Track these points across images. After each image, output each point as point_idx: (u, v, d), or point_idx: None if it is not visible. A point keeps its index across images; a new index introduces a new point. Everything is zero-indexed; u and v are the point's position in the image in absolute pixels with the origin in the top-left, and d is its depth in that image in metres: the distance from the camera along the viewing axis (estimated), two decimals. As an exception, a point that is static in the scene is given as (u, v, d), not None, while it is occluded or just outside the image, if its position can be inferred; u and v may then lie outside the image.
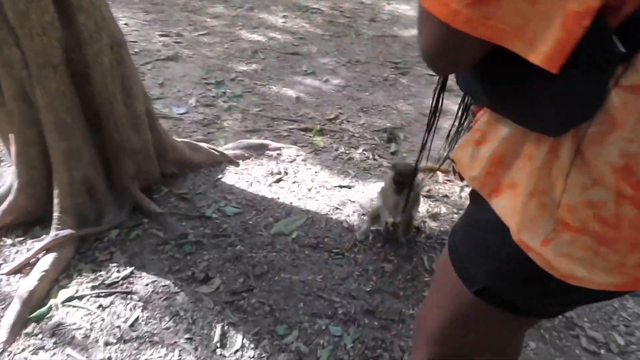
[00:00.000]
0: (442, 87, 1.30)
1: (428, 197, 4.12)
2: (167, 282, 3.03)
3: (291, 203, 4.00)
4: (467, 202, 3.37)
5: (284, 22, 7.51)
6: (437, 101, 1.31)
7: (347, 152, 5.14)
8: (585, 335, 3.01)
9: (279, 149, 5.02)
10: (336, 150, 5.18)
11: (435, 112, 1.33)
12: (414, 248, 3.63)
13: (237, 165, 4.35)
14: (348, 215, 3.94)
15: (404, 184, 3.21)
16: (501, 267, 1.08)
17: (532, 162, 0.97)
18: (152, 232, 3.43)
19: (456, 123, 1.44)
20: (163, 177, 3.81)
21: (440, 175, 4.84)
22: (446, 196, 4.58)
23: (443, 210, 4.33)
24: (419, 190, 3.80)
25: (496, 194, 1.06)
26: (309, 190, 4.19)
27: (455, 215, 4.25)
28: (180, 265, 3.19)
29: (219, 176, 4.14)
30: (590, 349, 2.90)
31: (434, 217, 4.27)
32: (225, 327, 2.80)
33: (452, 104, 1.89)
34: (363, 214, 3.93)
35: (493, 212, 1.06)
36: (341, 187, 4.28)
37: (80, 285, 2.94)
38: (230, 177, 4.16)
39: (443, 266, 1.28)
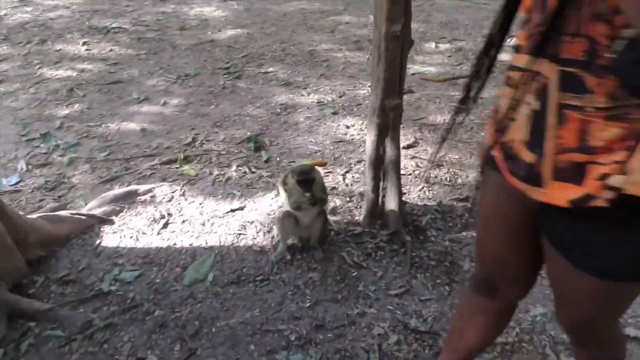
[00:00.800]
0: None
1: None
2: (92, 384, 2.61)
3: (191, 244, 3.83)
4: (358, 186, 4.19)
5: (88, 50, 6.75)
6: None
7: (222, 172, 5.00)
8: None
9: (150, 190, 4.71)
10: (210, 174, 5.02)
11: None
12: (329, 248, 3.69)
13: (112, 223, 4.00)
14: (254, 237, 3.89)
15: (309, 180, 3.35)
16: None
17: None
18: (47, 335, 2.94)
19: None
20: (30, 265, 3.30)
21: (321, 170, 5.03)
22: (334, 188, 4.77)
23: (337, 202, 4.51)
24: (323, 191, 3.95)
25: None
26: (203, 224, 4.07)
27: (350, 204, 4.48)
28: (99, 359, 2.78)
29: (97, 242, 3.76)
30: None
31: (333, 211, 4.42)
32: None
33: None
34: (268, 231, 3.94)
35: None
36: (233, 211, 4.21)
37: None
38: (110, 238, 3.81)
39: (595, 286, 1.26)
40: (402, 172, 4.31)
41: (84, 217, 3.76)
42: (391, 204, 4.04)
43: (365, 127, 5.49)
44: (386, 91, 3.35)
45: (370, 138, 3.91)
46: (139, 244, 3.82)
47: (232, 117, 6.11)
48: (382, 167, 3.98)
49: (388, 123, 3.80)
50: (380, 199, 4.06)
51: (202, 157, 5.27)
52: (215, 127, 5.90)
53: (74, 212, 3.77)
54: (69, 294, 3.25)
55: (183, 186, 4.57)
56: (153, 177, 4.94)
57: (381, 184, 3.99)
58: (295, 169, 3.41)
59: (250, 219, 4.12)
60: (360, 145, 5.49)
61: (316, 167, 4.47)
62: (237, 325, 3.03)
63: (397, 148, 3.91)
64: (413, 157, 5.32)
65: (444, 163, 5.16)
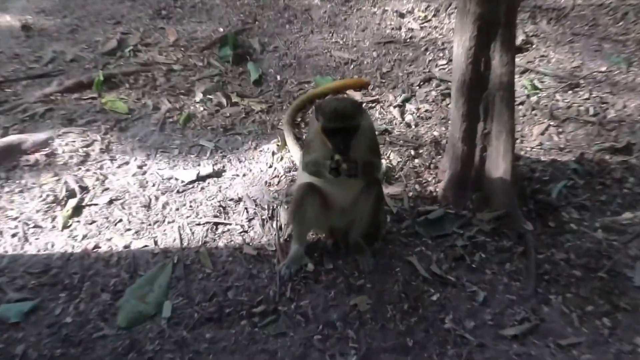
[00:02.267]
0: None
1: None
2: None
3: (127, 247, 3.72)
4: (430, 127, 4.54)
5: None
6: None
7: (177, 105, 4.84)
8: None
9: (45, 143, 4.40)
10: (155, 109, 4.82)
11: None
12: (385, 249, 3.65)
13: (-19, 207, 3.89)
14: (243, 230, 3.81)
15: (348, 130, 3.20)
16: None
17: None
18: None
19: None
20: None
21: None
22: (385, 131, 4.62)
23: (393, 158, 4.37)
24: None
25: None
26: (147, 207, 3.99)
27: (417, 162, 4.35)
28: None
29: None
30: None
31: (387, 178, 4.19)
32: None
33: None
34: (270, 217, 3.89)
35: None
36: (202, 179, 4.21)
37: None
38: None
39: None
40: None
41: None
42: (498, 163, 3.80)
43: (443, 14, 5.67)
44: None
45: (460, 38, 3.67)
46: (30, 247, 3.67)
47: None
48: (483, 94, 3.73)
49: (497, 12, 3.52)
50: (476, 153, 3.84)
51: (137, 76, 5.08)
52: (159, 17, 5.82)
53: None
54: None
55: (106, 133, 4.49)
56: (49, 117, 4.68)
57: (479, 125, 3.78)
58: (324, 104, 3.27)
59: (233, 193, 4.05)
60: (431, 47, 5.44)
61: (352, 89, 4.41)
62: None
63: (511, 59, 3.67)
64: (525, 71, 5.12)
65: (582, 81, 4.97)
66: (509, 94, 3.70)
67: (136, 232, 3.80)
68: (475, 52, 3.63)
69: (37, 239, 3.72)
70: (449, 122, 3.95)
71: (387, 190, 3.98)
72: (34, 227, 3.80)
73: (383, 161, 4.14)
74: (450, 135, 3.96)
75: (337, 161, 3.18)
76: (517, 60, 5.18)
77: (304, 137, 4.26)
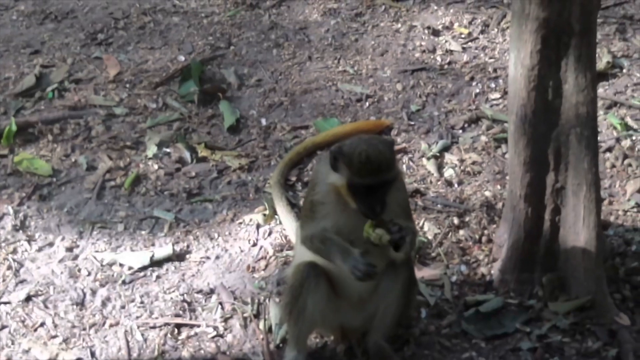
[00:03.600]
0: None
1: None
2: None
3: None
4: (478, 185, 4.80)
5: None
6: None
7: (122, 162, 5.04)
8: None
9: None
10: (90, 169, 5.02)
11: None
12: (419, 355, 3.76)
13: None
14: (220, 336, 3.97)
15: (383, 186, 3.31)
16: None
17: None
18: None
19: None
20: None
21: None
22: (417, 191, 4.77)
23: (428, 230, 4.52)
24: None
25: None
26: (80, 306, 4.14)
27: (463, 234, 4.50)
28: None
29: None
30: None
31: (419, 255, 4.33)
32: None
33: None
34: (255, 315, 4.04)
35: None
36: (156, 264, 4.35)
37: None
38: None
39: None
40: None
41: None
42: (577, 230, 3.90)
43: (494, 30, 5.72)
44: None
45: (519, 54, 3.80)
46: None
47: (135, 16, 6.32)
48: (553, 133, 3.83)
49: (568, 16, 3.65)
50: (546, 217, 3.96)
51: (64, 124, 5.29)
52: (94, 43, 6.08)
53: None
54: None
55: (21, 204, 4.68)
56: None
57: (549, 177, 3.90)
58: (347, 148, 3.38)
59: (203, 283, 4.19)
60: (478, 76, 5.64)
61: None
62: None
63: (591, 83, 3.77)
64: (612, 105, 5.31)
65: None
66: (589, 131, 3.78)
67: (65, 340, 3.86)
68: (539, 73, 3.72)
69: None
70: (507, 176, 4.09)
71: (421, 273, 4.09)
72: None
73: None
74: (508, 194, 4.06)
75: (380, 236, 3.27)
76: (601, 90, 5.21)
77: (301, 201, 4.38)
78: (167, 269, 4.30)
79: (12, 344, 3.87)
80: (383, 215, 3.33)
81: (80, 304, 4.08)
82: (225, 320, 3.97)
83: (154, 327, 3.94)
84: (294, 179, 4.81)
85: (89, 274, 4.26)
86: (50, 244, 4.45)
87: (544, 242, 3.98)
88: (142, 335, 3.89)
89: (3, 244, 4.45)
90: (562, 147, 3.83)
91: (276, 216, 4.49)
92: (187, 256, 4.39)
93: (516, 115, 3.86)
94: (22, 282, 4.22)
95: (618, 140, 5.04)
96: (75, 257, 4.38)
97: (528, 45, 3.71)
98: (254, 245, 4.40)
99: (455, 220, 4.50)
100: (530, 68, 3.73)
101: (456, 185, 4.82)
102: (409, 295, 3.65)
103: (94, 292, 4.15)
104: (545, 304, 3.92)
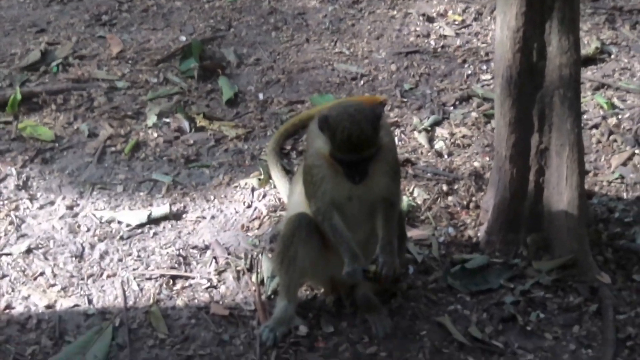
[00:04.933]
0: None
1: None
2: None
3: (51, 306, 3.92)
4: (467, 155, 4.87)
5: None
6: None
7: (122, 130, 5.10)
8: None
9: None
10: (91, 135, 5.08)
11: None
12: (406, 307, 3.81)
13: None
14: (211, 285, 4.02)
15: (365, 159, 3.38)
16: None
17: None
18: None
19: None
20: None
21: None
22: (407, 161, 4.80)
23: (418, 195, 4.56)
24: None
25: None
26: (79, 258, 4.22)
27: (452, 200, 4.55)
28: None
29: None
30: None
31: (409, 218, 4.34)
32: None
33: None
34: (248, 269, 4.09)
35: None
36: (153, 222, 4.43)
37: None
38: None
39: None
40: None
41: None
42: (560, 190, 3.95)
43: (487, 18, 5.82)
44: None
45: (504, 16, 3.85)
46: None
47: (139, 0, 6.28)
48: (537, 94, 3.87)
49: None
50: (531, 178, 4.01)
51: (67, 95, 5.32)
52: (98, 24, 6.10)
53: None
54: None
55: (24, 166, 4.74)
56: None
57: (534, 137, 3.96)
58: (332, 120, 3.40)
59: (198, 240, 4.26)
60: (470, 59, 5.72)
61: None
62: None
63: (574, 45, 3.82)
64: (600, 87, 5.42)
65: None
66: (572, 92, 3.83)
67: (63, 289, 3.95)
68: (524, 34, 3.76)
69: None
70: (495, 143, 4.18)
71: (410, 234, 4.14)
72: None
73: (404, 197, 4.35)
74: (495, 156, 4.12)
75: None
76: (590, 73, 5.42)
77: (295, 169, 4.46)
78: (163, 227, 4.36)
79: (12, 291, 3.97)
80: (367, 182, 3.40)
81: (79, 256, 4.15)
82: (219, 273, 4.03)
83: (149, 279, 4.01)
84: (289, 147, 4.84)
85: (88, 230, 4.32)
86: (51, 203, 4.51)
87: (528, 203, 4.02)
88: (138, 285, 3.98)
89: (5, 202, 4.52)
90: (547, 109, 3.87)
91: (271, 181, 4.53)
92: (184, 216, 4.44)
93: (502, 77, 3.88)
94: (23, 236, 4.30)
95: (604, 118, 5.11)
96: (75, 215, 4.43)
97: (513, 8, 3.73)
98: (249, 206, 4.45)
99: (444, 188, 4.55)
100: (516, 30, 3.76)
101: (446, 156, 4.87)
102: (399, 249, 3.66)
103: (92, 247, 4.22)
104: (529, 262, 3.96)
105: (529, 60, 3.83)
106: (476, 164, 4.75)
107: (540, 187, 4.01)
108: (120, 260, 4.14)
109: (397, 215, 3.66)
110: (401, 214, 3.81)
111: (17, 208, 4.49)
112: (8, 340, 3.69)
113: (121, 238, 4.29)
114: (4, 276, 4.06)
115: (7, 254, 4.20)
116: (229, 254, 4.16)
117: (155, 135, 5.05)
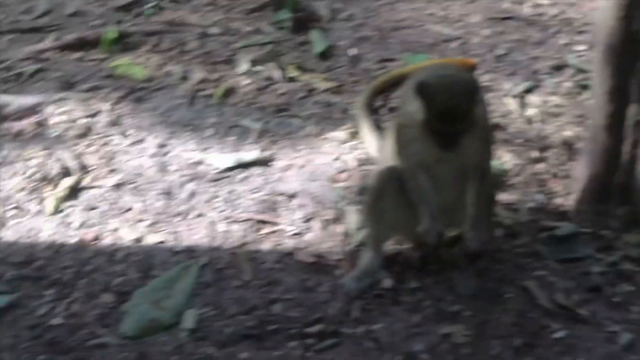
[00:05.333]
0: None
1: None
2: None
3: (139, 242, 4.02)
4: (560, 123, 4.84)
5: None
6: None
7: (214, 75, 5.13)
8: None
9: (33, 108, 4.70)
10: (184, 78, 5.14)
11: None
12: (493, 269, 3.81)
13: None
14: (296, 233, 4.04)
15: (457, 118, 3.32)
16: None
17: None
18: None
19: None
20: None
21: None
22: (497, 126, 4.72)
23: (508, 160, 4.52)
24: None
25: None
26: (168, 196, 4.28)
27: (541, 167, 4.50)
28: None
29: None
30: None
31: (498, 183, 4.27)
32: None
33: None
34: (335, 219, 4.10)
35: None
36: (243, 166, 4.45)
37: None
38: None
39: None
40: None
41: None
42: None
43: None
44: None
45: None
46: (9, 233, 3.97)
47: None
48: (635, 72, 3.77)
49: None
50: (625, 150, 3.93)
51: (161, 37, 5.42)
52: None
53: None
54: None
55: (117, 103, 4.79)
56: (41, 78, 5.00)
57: (631, 108, 3.83)
58: (428, 89, 3.35)
59: (286, 187, 4.26)
60: (565, 29, 5.65)
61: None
62: None
63: None
64: None
65: None
66: None
67: (151, 224, 4.03)
68: (628, 1, 3.66)
69: (18, 223, 3.97)
70: (589, 109, 4.12)
71: (499, 197, 4.11)
72: (14, 208, 4.05)
73: (495, 162, 4.26)
74: (590, 126, 4.05)
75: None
76: None
77: (385, 125, 4.45)
78: (251, 172, 4.36)
79: (101, 223, 4.00)
80: (458, 149, 3.39)
81: (168, 194, 4.20)
82: (306, 221, 4.04)
83: (236, 221, 4.03)
84: (380, 104, 4.83)
85: (177, 169, 4.37)
86: (142, 140, 4.56)
87: (621, 175, 3.97)
88: (225, 227, 3.98)
89: (96, 137, 4.56)
90: (646, 79, 3.79)
91: (360, 135, 4.53)
92: (272, 163, 4.44)
93: (602, 44, 3.81)
94: (113, 170, 4.35)
95: None
96: (165, 154, 4.49)
97: (617, -26, 3.62)
98: (337, 159, 4.45)
99: (535, 155, 4.49)
100: (619, -3, 3.66)
101: (538, 123, 4.79)
102: (489, 210, 3.69)
103: (181, 186, 4.26)
104: (619, 235, 3.91)
105: (630, 28, 3.73)
106: (568, 133, 4.66)
107: (633, 159, 3.93)
108: (207, 201, 4.16)
109: (488, 186, 3.67)
110: (492, 178, 3.80)
111: (107, 144, 4.51)
112: (96, 269, 3.75)
113: (209, 180, 4.30)
114: (93, 208, 4.10)
115: (96, 187, 4.23)
116: (316, 203, 4.16)
117: (246, 82, 5.05)
